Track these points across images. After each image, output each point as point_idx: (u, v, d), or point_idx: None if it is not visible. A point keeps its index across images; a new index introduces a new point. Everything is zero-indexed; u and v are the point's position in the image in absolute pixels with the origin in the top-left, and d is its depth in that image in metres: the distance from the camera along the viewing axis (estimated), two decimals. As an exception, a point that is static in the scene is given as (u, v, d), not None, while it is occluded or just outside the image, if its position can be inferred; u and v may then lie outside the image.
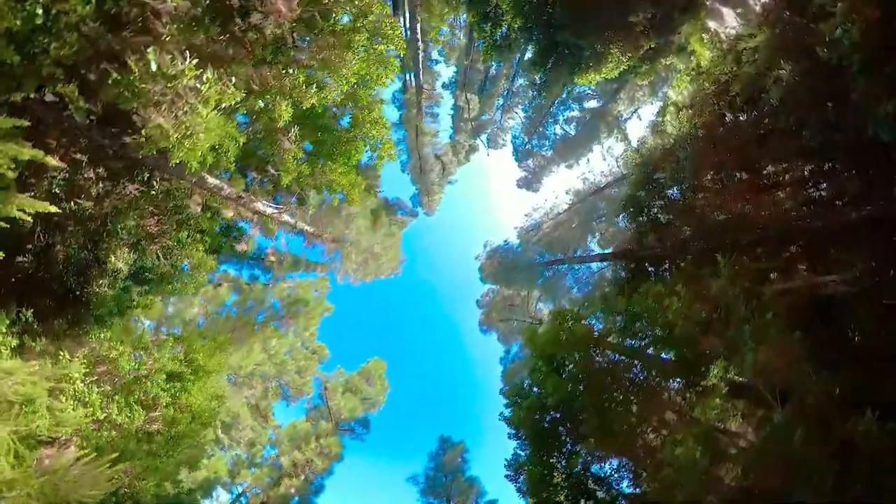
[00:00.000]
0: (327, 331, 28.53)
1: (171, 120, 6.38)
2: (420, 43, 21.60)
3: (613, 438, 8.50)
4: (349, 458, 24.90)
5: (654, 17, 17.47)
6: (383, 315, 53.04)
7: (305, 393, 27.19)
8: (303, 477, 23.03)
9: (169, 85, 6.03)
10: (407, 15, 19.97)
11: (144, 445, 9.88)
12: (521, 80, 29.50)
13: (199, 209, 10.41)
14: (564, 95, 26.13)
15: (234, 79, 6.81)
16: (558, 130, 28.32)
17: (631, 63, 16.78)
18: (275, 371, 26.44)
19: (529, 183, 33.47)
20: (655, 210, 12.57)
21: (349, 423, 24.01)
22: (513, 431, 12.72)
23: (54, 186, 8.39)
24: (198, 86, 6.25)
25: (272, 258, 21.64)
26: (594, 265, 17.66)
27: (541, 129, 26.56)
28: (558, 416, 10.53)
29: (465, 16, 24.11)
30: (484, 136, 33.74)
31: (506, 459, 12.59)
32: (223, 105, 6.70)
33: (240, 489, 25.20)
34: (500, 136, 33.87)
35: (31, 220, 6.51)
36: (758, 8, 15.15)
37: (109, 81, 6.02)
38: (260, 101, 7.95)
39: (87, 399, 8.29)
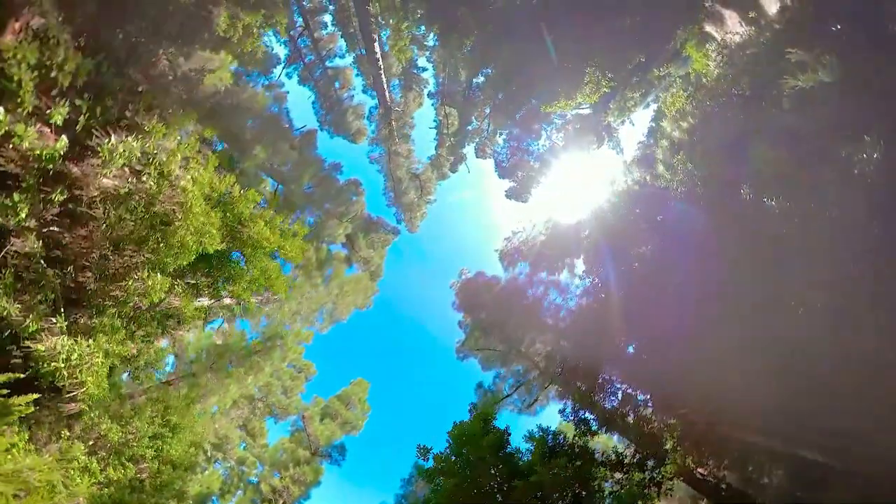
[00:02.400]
0: (308, 353, 25.42)
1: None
2: (381, 61, 17.64)
3: None
4: (327, 480, 22.61)
5: (643, 24, 13.03)
6: (368, 336, 46.43)
7: (291, 413, 24.87)
8: (281, 502, 20.82)
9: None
10: (362, 32, 16.03)
11: (136, 495, 10.47)
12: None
13: (134, 351, 10.67)
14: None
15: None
16: (544, 142, 23.92)
17: (613, 84, 12.49)
18: (261, 393, 24.17)
19: (518, 193, 29.39)
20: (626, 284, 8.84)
21: (327, 448, 21.50)
22: None
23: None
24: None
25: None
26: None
27: (524, 145, 22.33)
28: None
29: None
30: (472, 146, 29.68)
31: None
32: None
33: (229, 507, 23.56)
34: (489, 146, 29.80)
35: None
36: (773, 10, 10.61)
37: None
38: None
39: (89, 467, 9.17)
